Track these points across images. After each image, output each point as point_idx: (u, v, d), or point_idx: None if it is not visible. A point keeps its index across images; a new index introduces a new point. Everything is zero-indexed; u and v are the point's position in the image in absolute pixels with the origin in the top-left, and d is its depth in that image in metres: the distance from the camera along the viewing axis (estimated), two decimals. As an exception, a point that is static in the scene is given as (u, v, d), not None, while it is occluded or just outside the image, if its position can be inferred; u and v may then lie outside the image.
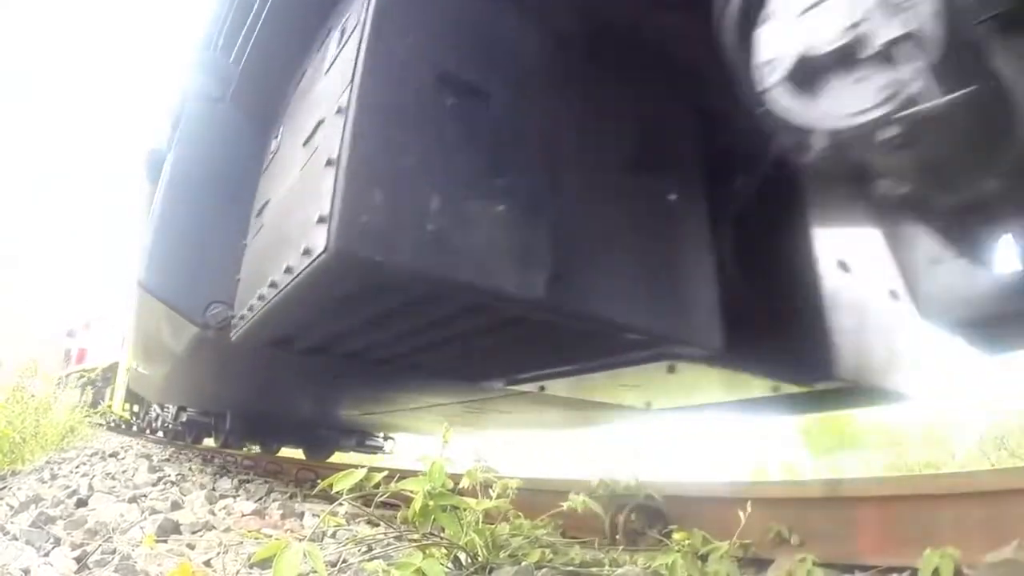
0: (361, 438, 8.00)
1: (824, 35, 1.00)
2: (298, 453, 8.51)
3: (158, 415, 9.87)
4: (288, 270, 1.53)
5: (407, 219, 1.37)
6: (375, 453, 8.21)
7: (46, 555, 1.79)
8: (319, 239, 1.34)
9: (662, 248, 1.79)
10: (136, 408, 12.01)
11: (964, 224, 1.47)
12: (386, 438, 8.24)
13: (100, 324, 14.91)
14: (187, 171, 2.44)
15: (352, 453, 8.16)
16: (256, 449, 8.28)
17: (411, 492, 1.40)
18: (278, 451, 8.36)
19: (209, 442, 8.57)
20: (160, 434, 10.53)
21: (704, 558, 1.65)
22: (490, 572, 1.48)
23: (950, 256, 1.93)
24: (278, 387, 4.00)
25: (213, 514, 2.62)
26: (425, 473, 1.41)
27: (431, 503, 1.38)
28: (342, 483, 1.40)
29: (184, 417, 7.75)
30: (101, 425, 12.43)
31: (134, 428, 12.40)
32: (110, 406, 12.53)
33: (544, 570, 1.51)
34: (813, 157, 1.06)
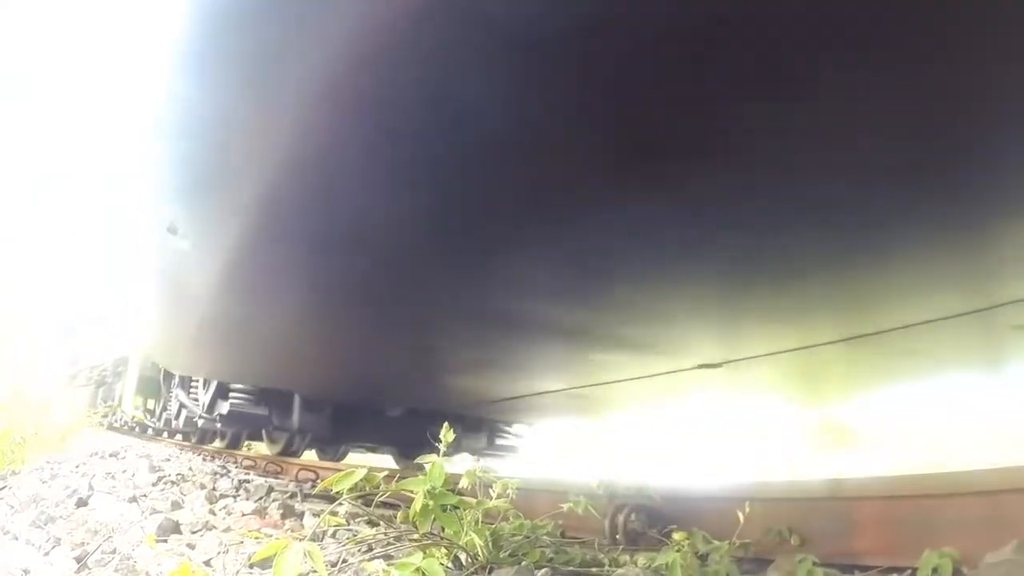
0: (491, 435, 5.66)
1: None
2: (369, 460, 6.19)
3: (181, 407, 6.65)
4: None
5: None
6: (503, 456, 5.76)
7: (46, 555, 1.79)
8: None
9: None
10: (150, 404, 9.14)
11: None
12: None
13: (101, 324, 14.45)
14: None
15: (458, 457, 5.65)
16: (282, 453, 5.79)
17: (411, 492, 1.40)
18: (344, 456, 6.23)
19: (258, 446, 6.43)
20: (179, 437, 8.50)
21: (704, 558, 1.65)
22: (490, 572, 1.48)
23: None
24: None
25: (213, 514, 2.62)
26: (425, 473, 1.42)
27: (431, 503, 1.38)
28: (342, 483, 1.40)
29: (224, 408, 4.94)
30: (103, 425, 12.08)
31: (149, 431, 10.00)
32: (115, 405, 10.76)
33: (544, 570, 1.51)
34: None
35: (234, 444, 6.73)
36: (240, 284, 2.34)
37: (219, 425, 5.35)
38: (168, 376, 7.16)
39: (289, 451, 5.68)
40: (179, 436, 8.56)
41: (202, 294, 2.60)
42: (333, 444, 5.82)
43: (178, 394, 6.45)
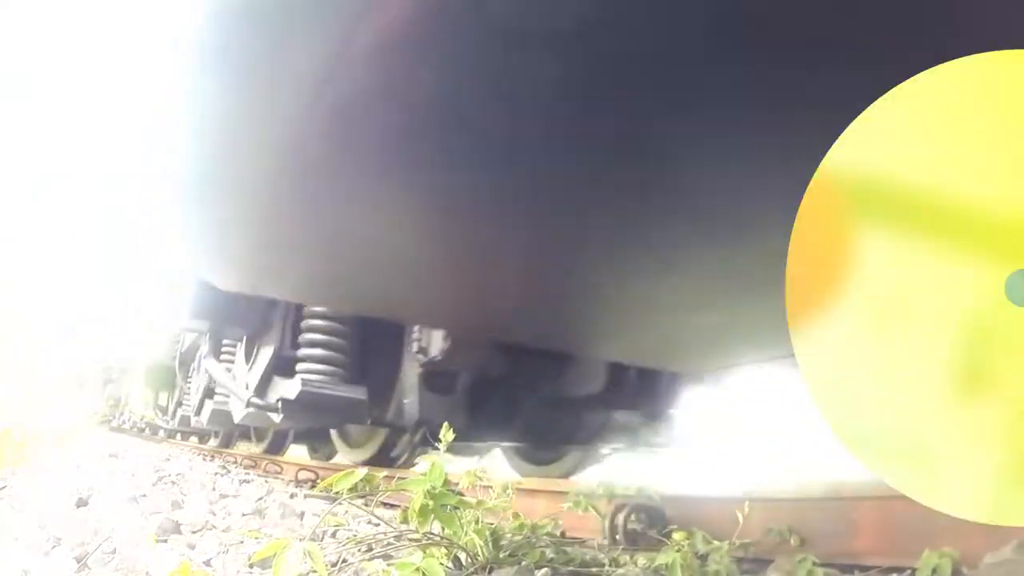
0: (669, 423, 3.83)
1: None
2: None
3: (206, 397, 4.38)
4: None
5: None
6: (655, 449, 4.05)
7: (46, 555, 1.79)
8: None
9: None
10: (163, 399, 7.15)
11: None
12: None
13: (101, 324, 14.18)
14: None
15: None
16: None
17: (410, 492, 1.40)
18: (418, 460, 3.82)
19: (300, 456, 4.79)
20: (194, 439, 7.18)
21: (704, 558, 1.65)
22: (490, 572, 1.48)
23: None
24: None
25: (213, 514, 2.62)
26: (424, 473, 1.42)
27: (431, 503, 1.38)
28: (342, 483, 1.40)
29: (291, 388, 2.86)
30: (109, 424, 11.95)
31: (160, 432, 8.48)
32: (121, 404, 10.33)
33: (544, 570, 1.51)
34: None
35: (276, 448, 5.06)
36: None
37: (279, 416, 3.08)
38: (184, 361, 5.50)
39: (387, 458, 3.73)
40: (194, 438, 7.29)
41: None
42: (465, 439, 3.61)
43: (209, 368, 3.88)
